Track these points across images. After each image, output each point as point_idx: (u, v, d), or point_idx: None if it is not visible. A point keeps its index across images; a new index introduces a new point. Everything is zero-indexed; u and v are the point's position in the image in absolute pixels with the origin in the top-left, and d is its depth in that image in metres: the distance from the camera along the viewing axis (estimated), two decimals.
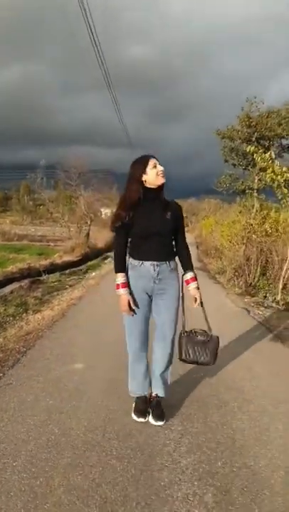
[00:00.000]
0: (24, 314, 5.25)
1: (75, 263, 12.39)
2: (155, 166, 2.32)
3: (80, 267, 11.22)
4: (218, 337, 2.46)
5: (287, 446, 2.27)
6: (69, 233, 16.94)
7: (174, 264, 2.43)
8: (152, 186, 2.34)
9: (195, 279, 2.46)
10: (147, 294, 2.40)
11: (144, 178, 2.32)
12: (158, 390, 2.50)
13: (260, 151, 8.45)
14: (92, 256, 15.64)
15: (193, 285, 2.44)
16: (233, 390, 3.05)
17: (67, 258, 13.44)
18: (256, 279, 9.14)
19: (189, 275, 2.45)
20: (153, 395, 2.53)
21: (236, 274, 9.63)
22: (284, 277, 7.85)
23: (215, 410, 2.69)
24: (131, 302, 2.34)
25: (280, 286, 7.57)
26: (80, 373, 3.24)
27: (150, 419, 2.46)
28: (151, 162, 2.32)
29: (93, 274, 9.82)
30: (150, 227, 2.32)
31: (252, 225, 10.16)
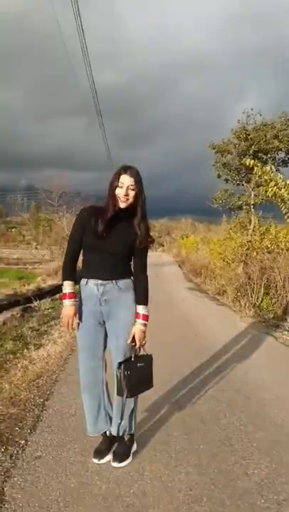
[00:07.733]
0: (25, 350, 4.46)
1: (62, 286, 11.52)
2: (120, 186, 1.96)
3: None
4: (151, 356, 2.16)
5: None
6: (51, 255, 16.06)
7: (123, 284, 2.07)
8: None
9: (146, 317, 2.08)
10: (96, 319, 2.08)
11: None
12: (112, 428, 2.18)
13: (259, 164, 8.14)
14: (78, 278, 14.80)
15: (139, 322, 2.06)
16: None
17: (51, 282, 12.58)
18: (260, 299, 8.69)
19: (141, 310, 2.09)
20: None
21: (239, 294, 9.13)
22: None
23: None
24: (75, 317, 2.03)
25: None
26: None
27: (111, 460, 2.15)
28: (121, 179, 1.96)
29: None
30: (100, 242, 2.00)
31: (250, 241, 9.77)
